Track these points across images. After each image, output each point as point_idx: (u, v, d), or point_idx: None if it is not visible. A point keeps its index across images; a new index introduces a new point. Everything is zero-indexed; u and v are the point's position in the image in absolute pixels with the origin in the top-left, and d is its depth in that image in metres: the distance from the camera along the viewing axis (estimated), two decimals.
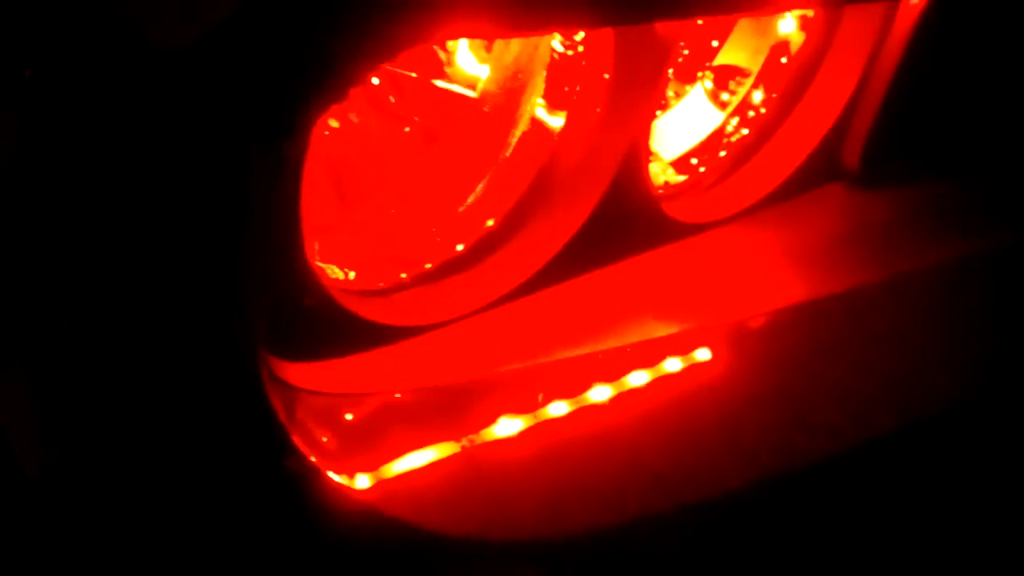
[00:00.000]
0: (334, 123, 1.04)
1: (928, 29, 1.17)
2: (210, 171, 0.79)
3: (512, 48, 1.04)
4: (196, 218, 0.81)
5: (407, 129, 1.07)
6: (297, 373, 0.91)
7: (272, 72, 0.77)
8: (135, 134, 0.78)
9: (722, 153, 1.25)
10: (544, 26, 0.94)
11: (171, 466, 0.88)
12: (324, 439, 0.90)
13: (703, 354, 1.11)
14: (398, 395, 0.95)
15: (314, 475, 0.87)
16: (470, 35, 0.95)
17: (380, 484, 0.88)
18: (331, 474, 0.87)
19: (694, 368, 1.10)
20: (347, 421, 0.92)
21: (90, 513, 0.90)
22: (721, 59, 1.25)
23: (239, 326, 0.86)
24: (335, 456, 0.89)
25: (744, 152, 1.25)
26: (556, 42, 1.04)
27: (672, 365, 1.10)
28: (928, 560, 1.22)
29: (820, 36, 1.21)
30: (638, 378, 1.08)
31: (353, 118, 1.05)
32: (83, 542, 0.92)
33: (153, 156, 0.78)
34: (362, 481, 0.88)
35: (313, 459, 0.86)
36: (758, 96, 1.25)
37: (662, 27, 1.00)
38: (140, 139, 0.78)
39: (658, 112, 1.22)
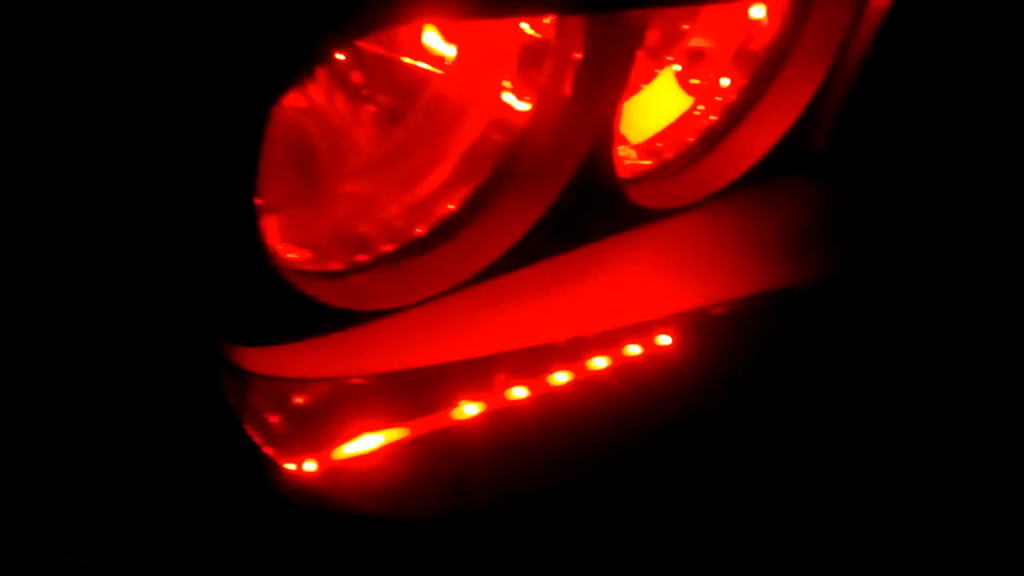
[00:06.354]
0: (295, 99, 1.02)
1: (898, 20, 1.16)
2: (165, 149, 0.77)
3: (480, 29, 1.02)
4: (149, 198, 0.79)
5: (371, 108, 1.05)
6: (251, 358, 0.89)
7: (232, 50, 0.76)
8: (92, 112, 0.76)
9: (689, 139, 1.23)
10: (513, 11, 0.93)
11: (125, 451, 0.86)
12: (274, 424, 0.89)
13: (664, 340, 1.10)
14: (352, 381, 0.94)
15: (263, 459, 0.86)
16: (439, 17, 0.93)
17: (328, 469, 0.87)
18: (279, 459, 0.86)
19: (655, 354, 1.10)
20: (298, 406, 0.91)
21: (47, 496, 0.89)
22: (691, 43, 1.24)
23: (192, 309, 0.85)
24: (284, 441, 0.87)
25: (711, 138, 1.24)
26: (525, 24, 1.02)
27: (633, 350, 1.09)
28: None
29: (791, 23, 1.20)
30: (598, 363, 1.07)
31: (315, 95, 1.02)
32: (40, 523, 0.91)
33: (108, 134, 0.76)
34: (309, 466, 0.87)
35: (261, 444, 0.85)
36: (727, 82, 1.23)
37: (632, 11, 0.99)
38: (96, 117, 0.76)
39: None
